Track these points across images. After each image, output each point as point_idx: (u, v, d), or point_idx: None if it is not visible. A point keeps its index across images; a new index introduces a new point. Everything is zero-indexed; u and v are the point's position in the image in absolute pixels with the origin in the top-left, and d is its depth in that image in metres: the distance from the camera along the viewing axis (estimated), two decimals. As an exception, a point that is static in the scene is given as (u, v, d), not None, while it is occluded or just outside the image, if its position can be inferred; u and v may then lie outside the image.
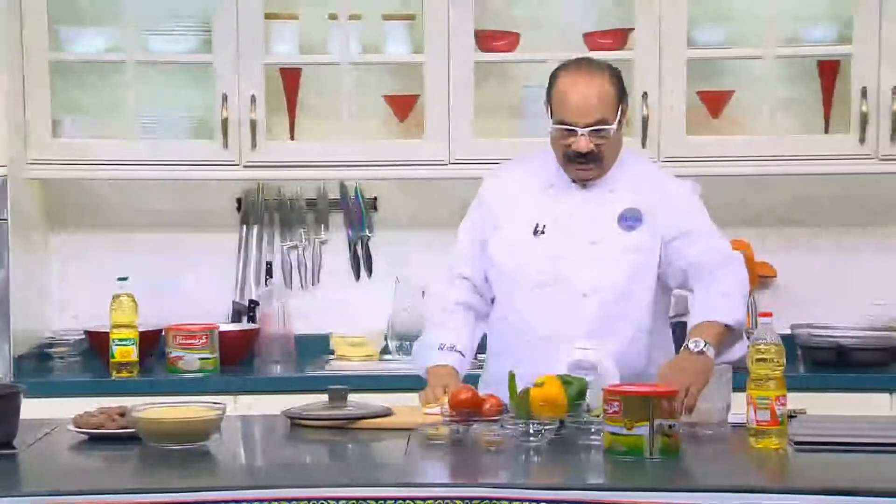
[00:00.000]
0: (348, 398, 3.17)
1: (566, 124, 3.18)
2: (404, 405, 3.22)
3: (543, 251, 3.26)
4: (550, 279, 3.24)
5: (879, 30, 4.21)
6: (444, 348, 3.29)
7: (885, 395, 4.05)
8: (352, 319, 4.50)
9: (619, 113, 3.20)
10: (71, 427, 2.99)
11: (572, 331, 3.16)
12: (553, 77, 3.26)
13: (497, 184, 3.40)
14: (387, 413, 3.12)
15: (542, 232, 3.27)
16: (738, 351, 3.11)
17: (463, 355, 3.31)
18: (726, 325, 3.10)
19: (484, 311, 3.39)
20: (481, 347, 3.45)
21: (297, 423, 3.11)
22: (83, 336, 4.41)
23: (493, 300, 3.38)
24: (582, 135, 3.17)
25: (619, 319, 3.23)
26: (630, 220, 3.26)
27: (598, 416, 2.85)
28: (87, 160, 4.33)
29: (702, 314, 3.13)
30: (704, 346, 3.02)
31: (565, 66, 3.27)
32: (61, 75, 4.40)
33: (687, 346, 3.04)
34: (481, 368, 3.50)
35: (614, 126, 3.18)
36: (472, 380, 3.33)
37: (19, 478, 2.74)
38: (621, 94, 3.23)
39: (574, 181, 3.28)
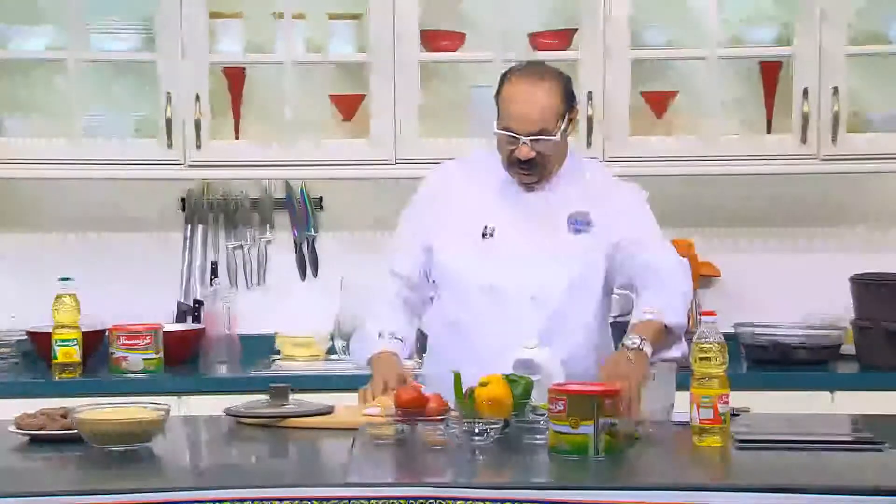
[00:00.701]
0: (290, 396, 3.16)
1: (509, 130, 3.20)
2: (349, 405, 3.22)
3: (492, 254, 3.26)
4: (499, 282, 3.24)
5: (820, 31, 4.26)
6: (383, 335, 3.28)
7: (826, 394, 4.09)
8: (297, 319, 4.49)
9: (564, 121, 3.21)
10: (12, 428, 2.95)
11: (521, 334, 3.15)
12: (502, 80, 3.26)
13: (441, 182, 3.40)
14: (328, 411, 3.12)
15: (491, 235, 3.28)
16: (674, 352, 3.14)
17: (403, 342, 3.29)
18: (665, 326, 3.12)
19: (419, 310, 3.39)
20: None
21: (239, 421, 3.10)
22: (25, 337, 4.37)
23: (431, 299, 3.38)
24: (524, 143, 3.19)
25: (567, 322, 3.25)
26: (579, 223, 3.28)
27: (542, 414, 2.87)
28: (29, 159, 4.29)
29: (640, 310, 3.15)
30: (641, 342, 3.04)
31: (515, 71, 3.27)
32: (1, 74, 4.36)
33: (624, 343, 3.06)
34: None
35: (556, 136, 3.19)
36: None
37: (-40, 480, 2.71)
38: (568, 103, 3.23)
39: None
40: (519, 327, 3.19)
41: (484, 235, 3.28)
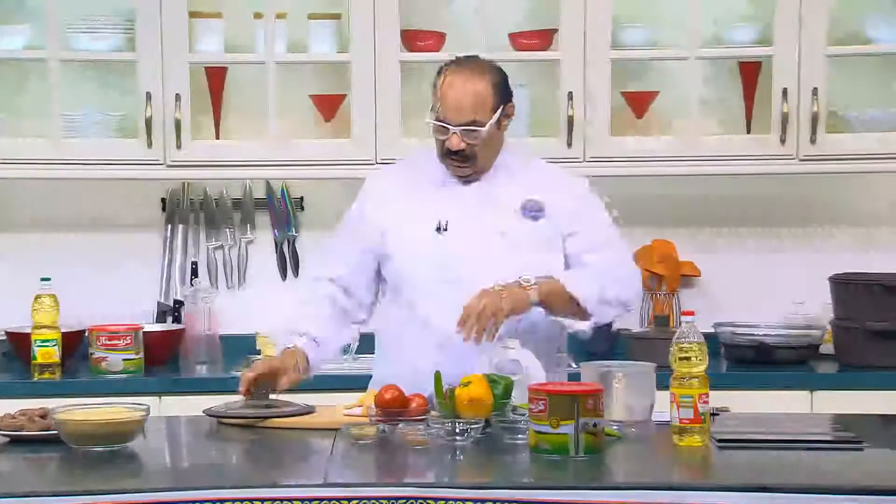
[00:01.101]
0: (270, 396, 3.16)
1: (440, 121, 3.23)
2: (329, 404, 3.22)
3: (450, 247, 3.27)
4: (462, 274, 3.24)
5: (799, 32, 4.27)
6: (295, 333, 3.28)
7: (805, 393, 4.11)
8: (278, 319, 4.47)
9: (497, 114, 3.23)
10: (-9, 429, 2.95)
11: None
12: (439, 72, 3.30)
13: (384, 186, 3.42)
14: (309, 410, 3.12)
15: (445, 229, 3.29)
16: (575, 324, 3.20)
17: (317, 343, 3.28)
18: (570, 294, 3.18)
19: (353, 314, 3.39)
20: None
21: (221, 422, 3.09)
22: (4, 337, 4.35)
23: (371, 305, 3.40)
24: (454, 133, 3.22)
25: (533, 310, 3.25)
26: (533, 210, 3.31)
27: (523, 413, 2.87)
28: (8, 159, 4.28)
29: (560, 273, 3.23)
30: (533, 284, 3.14)
31: (451, 64, 3.31)
32: (-19, 73, 4.35)
33: (518, 279, 3.14)
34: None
35: (486, 128, 3.22)
36: (362, 381, 3.38)
37: (-62, 481, 2.70)
38: (502, 97, 3.26)
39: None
40: None
41: (438, 230, 3.30)
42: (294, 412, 3.11)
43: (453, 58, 3.34)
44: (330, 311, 3.36)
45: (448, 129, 3.22)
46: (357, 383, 3.55)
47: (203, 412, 3.14)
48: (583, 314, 3.24)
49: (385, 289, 3.40)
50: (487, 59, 3.36)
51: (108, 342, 4.17)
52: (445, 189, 3.33)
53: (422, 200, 3.32)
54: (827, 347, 4.35)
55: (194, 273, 4.59)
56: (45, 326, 4.12)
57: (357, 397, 3.18)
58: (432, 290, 3.26)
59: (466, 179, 3.32)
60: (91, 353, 4.19)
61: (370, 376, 3.45)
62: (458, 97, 3.21)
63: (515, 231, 3.28)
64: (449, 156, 3.26)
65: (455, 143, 3.23)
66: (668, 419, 2.85)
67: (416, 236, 3.30)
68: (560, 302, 3.20)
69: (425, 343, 3.24)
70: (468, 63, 3.30)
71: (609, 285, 3.25)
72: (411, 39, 4.37)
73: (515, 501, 2.48)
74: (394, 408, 2.97)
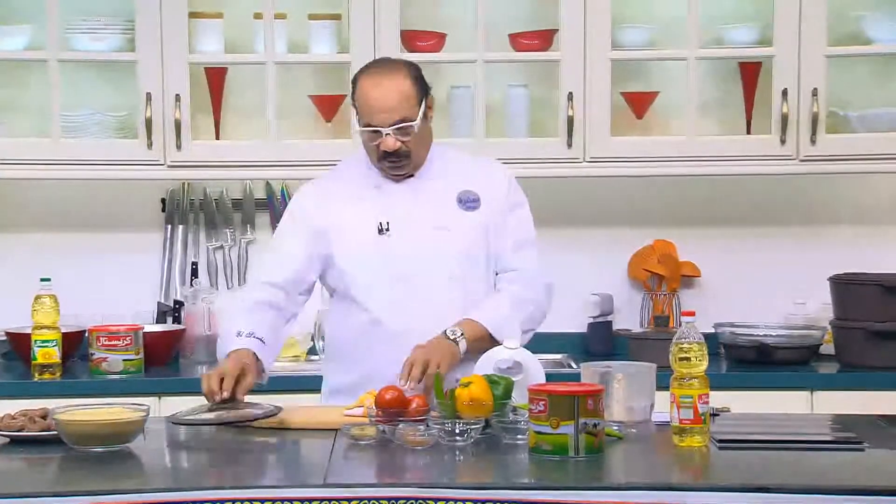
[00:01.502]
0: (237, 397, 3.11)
1: (370, 126, 3.24)
2: (329, 405, 3.22)
3: (395, 247, 3.29)
4: (409, 271, 3.27)
5: (799, 32, 4.27)
6: (241, 335, 3.25)
7: (805, 393, 4.11)
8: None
9: (422, 108, 3.26)
10: (-8, 430, 2.95)
11: (446, 316, 3.24)
12: (354, 81, 3.32)
13: (320, 194, 3.41)
14: (277, 411, 3.06)
15: (387, 229, 3.31)
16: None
17: (263, 343, 3.25)
18: (491, 334, 3.24)
19: (292, 313, 3.38)
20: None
21: (183, 423, 3.05)
22: (4, 337, 4.35)
23: (302, 306, 3.39)
24: (387, 134, 3.24)
25: (480, 296, 3.31)
26: (469, 201, 3.35)
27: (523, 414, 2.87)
28: (9, 159, 4.28)
29: (480, 311, 3.27)
30: (460, 336, 3.21)
31: (364, 70, 3.34)
32: (-19, 73, 4.35)
33: (445, 332, 3.20)
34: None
35: (417, 122, 3.25)
36: (313, 382, 3.42)
37: (-62, 482, 2.70)
38: (422, 90, 3.29)
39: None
40: (442, 309, 3.24)
41: (380, 231, 3.31)
42: (265, 414, 3.05)
43: (364, 66, 3.36)
44: (269, 316, 3.32)
45: (380, 132, 3.24)
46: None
47: (167, 420, 3.09)
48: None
49: (333, 294, 3.40)
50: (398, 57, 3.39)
51: (108, 342, 4.17)
52: (381, 191, 3.35)
53: (360, 205, 3.34)
54: (827, 348, 4.35)
55: (194, 273, 4.59)
56: (45, 327, 4.12)
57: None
58: (382, 292, 3.29)
59: (400, 179, 3.34)
60: (91, 354, 4.19)
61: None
62: (384, 98, 3.23)
63: (455, 223, 3.32)
64: (386, 158, 3.28)
65: (391, 144, 3.25)
66: (668, 419, 2.85)
67: (359, 240, 3.31)
68: (486, 344, 3.24)
69: (379, 343, 3.26)
70: (383, 64, 3.36)
71: (527, 313, 3.33)
72: (411, 40, 4.37)
73: (515, 502, 2.48)
74: (394, 408, 2.97)
